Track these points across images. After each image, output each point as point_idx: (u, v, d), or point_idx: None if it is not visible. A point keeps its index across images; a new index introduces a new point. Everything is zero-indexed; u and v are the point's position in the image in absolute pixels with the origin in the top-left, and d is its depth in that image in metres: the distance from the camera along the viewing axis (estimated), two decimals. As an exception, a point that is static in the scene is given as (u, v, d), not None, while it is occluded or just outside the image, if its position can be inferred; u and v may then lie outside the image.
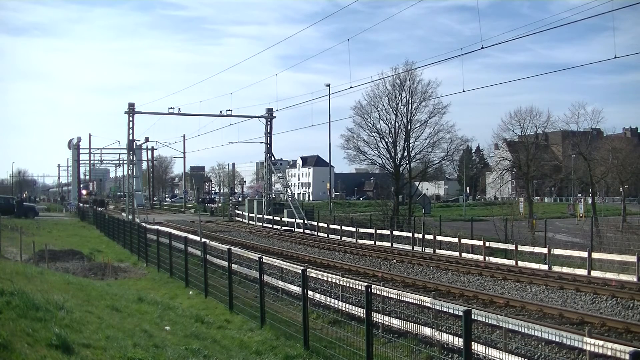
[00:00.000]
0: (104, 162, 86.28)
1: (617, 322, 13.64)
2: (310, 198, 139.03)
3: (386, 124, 47.64)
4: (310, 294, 13.40)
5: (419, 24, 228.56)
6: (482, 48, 22.06)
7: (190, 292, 18.09)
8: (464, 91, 37.38)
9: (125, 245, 31.05)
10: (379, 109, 47.73)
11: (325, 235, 38.32)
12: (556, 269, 21.58)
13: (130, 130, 48.89)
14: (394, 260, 25.88)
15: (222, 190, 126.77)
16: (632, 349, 6.52)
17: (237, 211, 60.60)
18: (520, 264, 23.13)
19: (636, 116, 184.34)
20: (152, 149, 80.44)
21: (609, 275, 19.75)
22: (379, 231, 33.88)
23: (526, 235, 32.18)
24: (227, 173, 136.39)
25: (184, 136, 79.61)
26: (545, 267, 21.93)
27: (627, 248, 24.34)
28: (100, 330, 8.47)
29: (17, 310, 7.95)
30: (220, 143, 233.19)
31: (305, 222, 43.53)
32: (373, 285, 10.26)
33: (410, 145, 47.89)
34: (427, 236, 30.19)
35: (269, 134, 51.97)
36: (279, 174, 53.78)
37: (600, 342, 7.81)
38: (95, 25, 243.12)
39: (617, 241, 27.37)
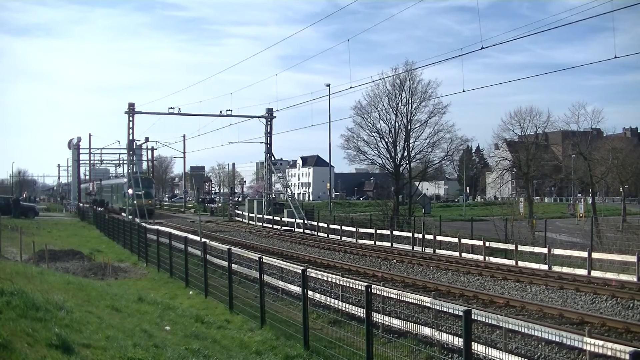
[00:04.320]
0: (104, 162, 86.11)
1: (617, 322, 13.64)
2: (310, 198, 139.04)
3: (386, 124, 47.76)
4: (310, 294, 13.40)
5: (419, 24, 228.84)
6: (482, 48, 22.04)
7: (190, 292, 18.09)
8: (464, 91, 37.24)
9: (125, 245, 31.04)
10: (379, 109, 47.85)
11: (325, 235, 38.30)
12: (556, 269, 21.57)
13: (130, 130, 48.87)
14: (394, 260, 25.88)
15: (222, 190, 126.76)
16: (632, 349, 6.51)
17: (237, 211, 60.61)
18: (520, 264, 23.12)
19: (636, 116, 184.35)
20: (152, 149, 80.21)
21: (609, 275, 19.74)
22: (379, 231, 33.87)
23: (526, 235, 32.16)
24: (227, 173, 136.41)
25: (184, 136, 79.39)
26: (545, 267, 21.92)
27: (627, 248, 24.32)
28: (100, 330, 8.48)
29: (17, 310, 7.95)
30: (220, 143, 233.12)
31: (305, 222, 43.51)
32: (373, 285, 10.26)
33: (410, 145, 48.01)
34: (427, 236, 30.17)
35: (269, 134, 51.94)
36: (279, 174, 53.82)
37: (600, 342, 7.80)
38: (96, 25, 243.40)
39: (617, 241, 27.35)
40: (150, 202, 57.14)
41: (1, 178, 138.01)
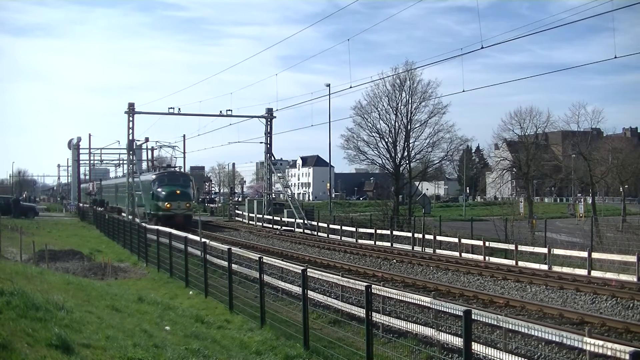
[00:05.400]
0: (104, 162, 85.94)
1: (617, 322, 13.64)
2: (310, 198, 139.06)
3: (386, 124, 47.77)
4: (310, 294, 13.40)
5: (419, 24, 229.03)
6: (482, 48, 22.10)
7: (190, 292, 18.10)
8: (464, 91, 37.36)
9: (125, 245, 31.04)
10: (379, 109, 47.85)
11: (325, 235, 38.29)
12: (556, 269, 21.57)
13: (130, 130, 48.78)
14: (394, 260, 25.87)
15: (222, 190, 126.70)
16: (632, 349, 6.52)
17: (237, 211, 60.59)
18: (520, 264, 23.12)
19: (636, 116, 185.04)
20: (152, 149, 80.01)
21: (609, 275, 19.74)
22: (379, 231, 33.85)
23: (526, 235, 32.18)
24: (227, 173, 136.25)
25: (184, 136, 78.93)
26: (545, 267, 21.91)
27: (627, 248, 24.33)
28: (100, 330, 8.48)
29: (17, 310, 7.95)
30: (220, 143, 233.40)
31: (305, 222, 43.48)
32: (373, 285, 10.26)
33: (410, 145, 48.01)
34: (427, 236, 30.17)
35: (269, 134, 51.92)
36: (279, 174, 53.74)
37: (600, 342, 7.81)
38: (96, 25, 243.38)
39: (617, 241, 27.36)
40: (188, 205, 42.75)
41: (1, 178, 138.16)
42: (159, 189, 42.59)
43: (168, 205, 41.18)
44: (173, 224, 34.15)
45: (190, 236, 23.70)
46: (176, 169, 50.51)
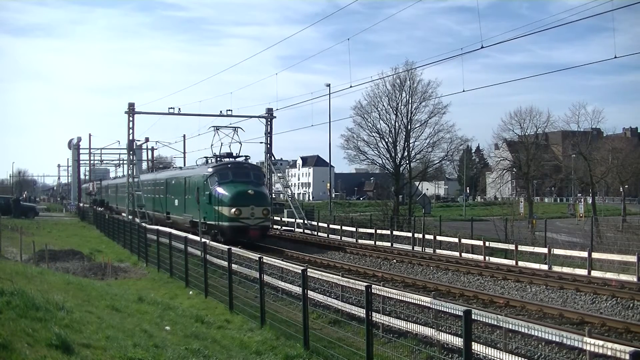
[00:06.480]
0: (104, 162, 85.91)
1: (617, 322, 13.64)
2: (310, 198, 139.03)
3: (386, 124, 47.81)
4: (310, 294, 13.39)
5: (419, 24, 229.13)
6: (482, 48, 22.10)
7: (190, 292, 18.10)
8: (464, 91, 37.48)
9: (125, 245, 31.03)
10: (379, 109, 47.90)
11: (326, 235, 38.23)
12: (556, 269, 21.55)
13: (130, 130, 48.73)
14: (394, 260, 25.86)
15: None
16: (632, 349, 6.52)
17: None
18: (520, 264, 23.10)
19: (636, 116, 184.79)
20: (152, 149, 79.76)
21: (609, 275, 19.73)
22: (379, 231, 33.81)
23: (526, 235, 32.19)
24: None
25: (184, 136, 79.08)
26: (545, 267, 21.89)
27: (627, 248, 24.34)
28: (100, 330, 8.48)
29: (17, 310, 7.96)
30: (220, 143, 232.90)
31: (306, 222, 43.43)
32: (373, 285, 10.27)
33: (410, 145, 48.05)
34: (427, 236, 30.14)
35: (269, 134, 51.86)
36: (279, 174, 53.71)
37: (600, 342, 7.80)
38: (96, 25, 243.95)
39: (617, 241, 27.37)
40: (266, 212, 30.38)
41: (1, 178, 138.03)
42: (221, 189, 29.49)
43: (236, 213, 28.50)
44: (243, 240, 27.00)
45: (190, 236, 23.62)
46: (242, 159, 34.05)
